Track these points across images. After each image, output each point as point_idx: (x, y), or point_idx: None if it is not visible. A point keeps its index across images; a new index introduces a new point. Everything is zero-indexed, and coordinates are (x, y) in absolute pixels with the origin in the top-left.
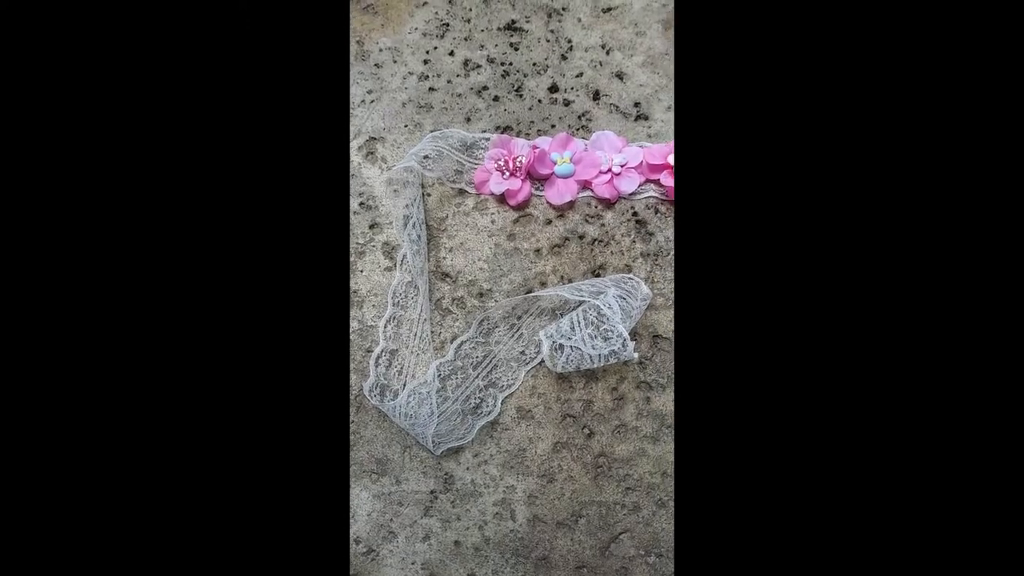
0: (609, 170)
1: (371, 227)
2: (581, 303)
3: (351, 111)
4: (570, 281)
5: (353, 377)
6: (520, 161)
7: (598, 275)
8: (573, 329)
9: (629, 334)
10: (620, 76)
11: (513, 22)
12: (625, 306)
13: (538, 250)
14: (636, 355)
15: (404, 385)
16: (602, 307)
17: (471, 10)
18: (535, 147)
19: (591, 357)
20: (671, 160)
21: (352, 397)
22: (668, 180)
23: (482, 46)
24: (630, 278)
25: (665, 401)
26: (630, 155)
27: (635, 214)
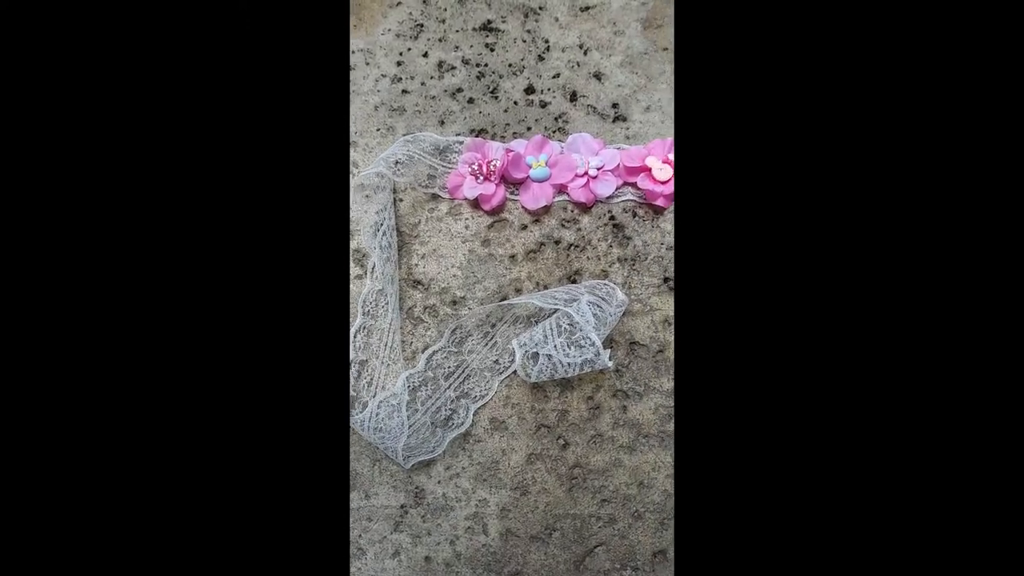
0: (585, 173)
1: None
2: (555, 311)
3: None
4: (546, 287)
5: None
6: (494, 165)
7: (574, 281)
8: (546, 338)
9: (605, 341)
10: (598, 76)
11: (489, 22)
12: (599, 313)
13: (513, 256)
14: (611, 363)
15: (374, 396)
16: (574, 315)
17: (446, 10)
18: (509, 150)
19: (565, 366)
20: (649, 162)
21: None
22: (645, 183)
23: (457, 47)
24: (605, 284)
25: (642, 410)
26: (607, 157)
27: (612, 218)
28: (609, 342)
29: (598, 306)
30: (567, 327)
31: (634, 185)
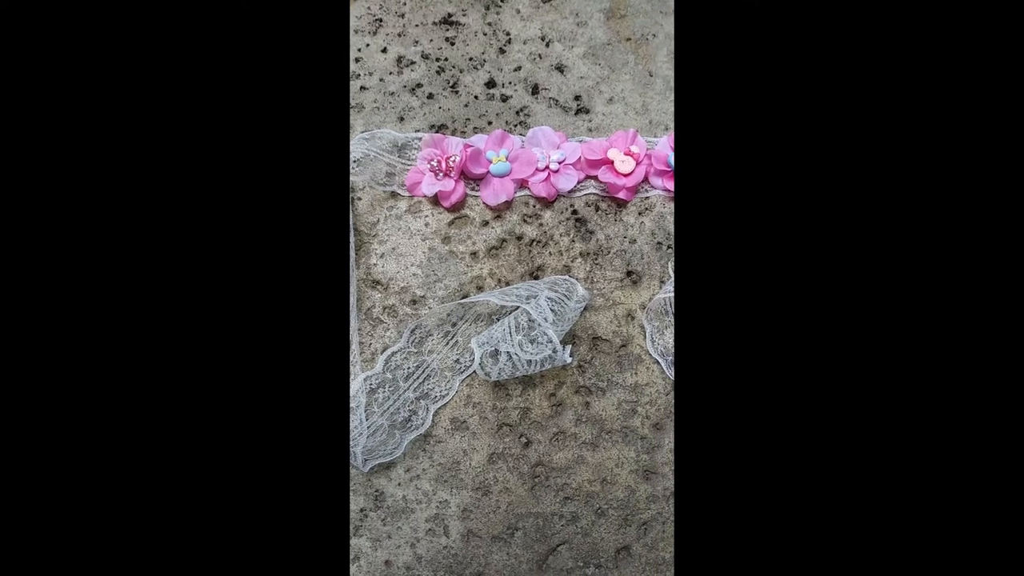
0: (546, 167)
1: None
2: (515, 308)
3: None
4: (508, 284)
5: None
6: (453, 161)
7: (537, 277)
8: (505, 336)
9: (566, 337)
10: (560, 69)
11: (449, 15)
12: (559, 309)
13: (474, 253)
14: (570, 359)
15: None
16: (531, 311)
17: (405, 4)
18: (468, 146)
19: (525, 364)
20: (611, 155)
21: None
22: (607, 176)
23: (416, 41)
24: (566, 279)
25: (605, 406)
26: (568, 151)
27: (575, 212)
28: (571, 338)
29: (557, 302)
30: (526, 324)
31: (596, 178)
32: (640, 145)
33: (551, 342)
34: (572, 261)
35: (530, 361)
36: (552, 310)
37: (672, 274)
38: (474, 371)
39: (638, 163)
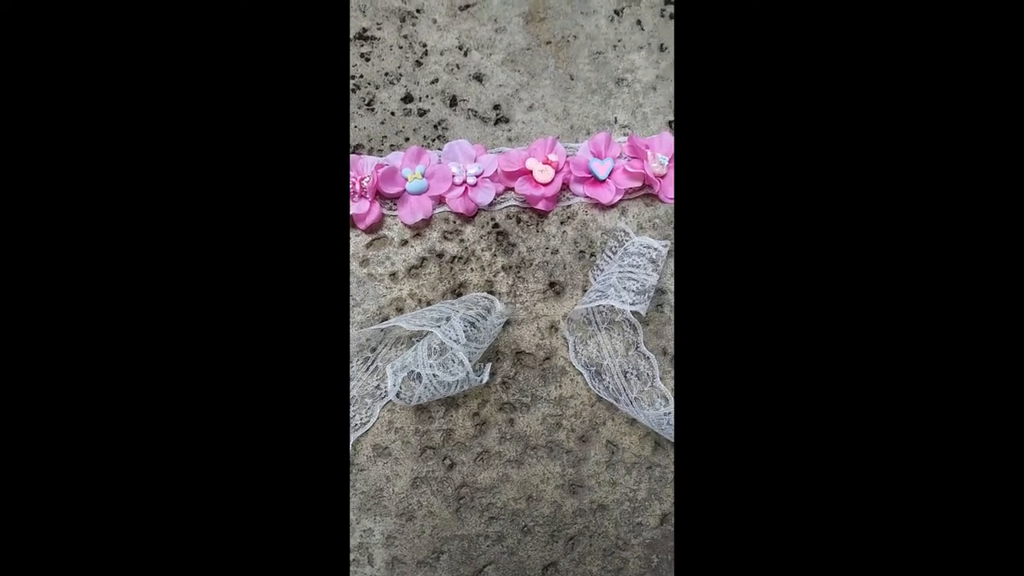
0: (464, 182)
1: None
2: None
3: None
4: (429, 304)
5: None
6: (366, 182)
7: (459, 294)
8: (420, 360)
9: (488, 353)
10: (479, 78)
11: (364, 31)
12: (472, 331)
13: (394, 274)
14: (484, 378)
15: None
16: (439, 335)
17: None
18: (380, 165)
19: (445, 386)
20: (529, 165)
21: None
22: (525, 187)
23: None
24: (484, 296)
25: (529, 421)
26: (486, 163)
27: (496, 225)
28: (494, 354)
29: (473, 321)
30: (438, 347)
31: (514, 190)
32: (559, 153)
33: (462, 364)
34: (495, 276)
35: (447, 384)
36: (466, 331)
37: (593, 281)
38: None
39: (557, 171)
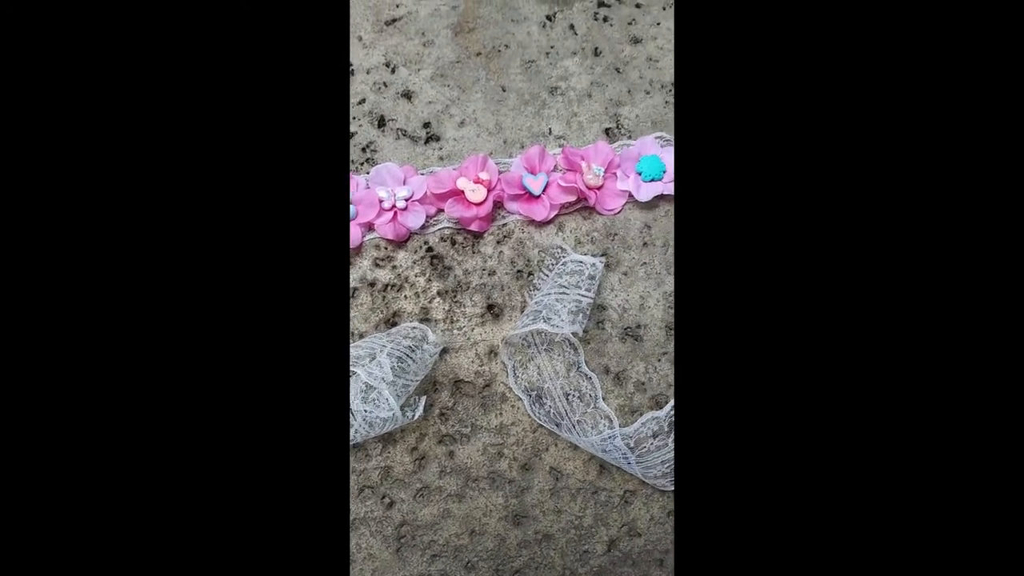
0: (392, 207)
1: None
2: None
3: None
4: (362, 336)
5: None
6: None
7: (394, 323)
8: (352, 397)
9: (426, 384)
10: (407, 96)
11: None
12: (402, 366)
13: None
14: (417, 413)
15: None
16: (361, 375)
17: None
18: None
19: (375, 424)
20: (460, 184)
21: None
22: (455, 208)
23: None
24: (415, 327)
25: (470, 452)
26: (415, 186)
27: (430, 249)
28: (432, 384)
29: (400, 357)
30: (363, 387)
31: (443, 211)
32: (491, 170)
33: (387, 402)
34: (430, 302)
35: (382, 421)
36: (395, 367)
37: (530, 302)
38: None
39: (489, 190)
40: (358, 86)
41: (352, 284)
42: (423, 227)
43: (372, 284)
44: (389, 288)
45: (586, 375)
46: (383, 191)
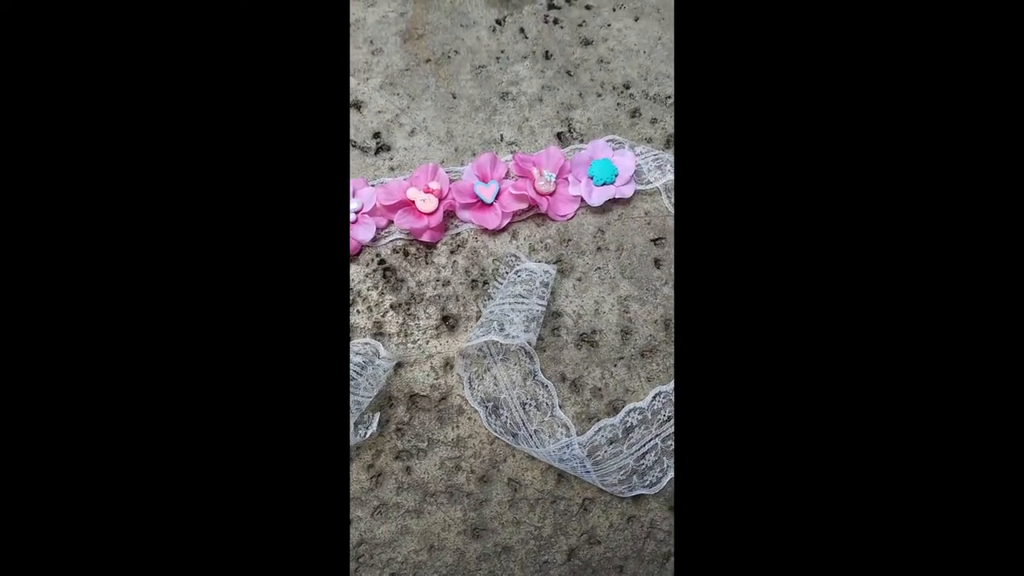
0: None
1: None
2: None
3: None
4: None
5: None
6: None
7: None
8: None
9: (381, 399)
10: (356, 105)
11: None
12: (353, 383)
13: None
14: (371, 430)
15: None
16: None
17: None
18: None
19: None
20: (411, 195)
21: None
22: (406, 219)
23: None
24: (366, 343)
25: (427, 467)
26: (365, 198)
27: (382, 262)
28: (387, 400)
29: (355, 372)
30: None
31: (394, 223)
32: (441, 179)
33: None
34: (383, 316)
35: None
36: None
37: (482, 310)
38: None
39: (440, 200)
40: None
41: None
42: (374, 239)
43: None
44: None
45: (542, 383)
46: None
